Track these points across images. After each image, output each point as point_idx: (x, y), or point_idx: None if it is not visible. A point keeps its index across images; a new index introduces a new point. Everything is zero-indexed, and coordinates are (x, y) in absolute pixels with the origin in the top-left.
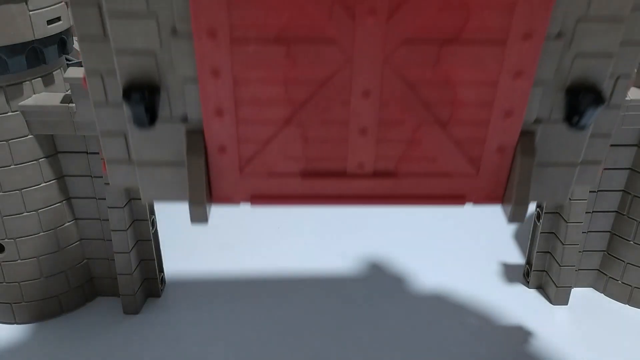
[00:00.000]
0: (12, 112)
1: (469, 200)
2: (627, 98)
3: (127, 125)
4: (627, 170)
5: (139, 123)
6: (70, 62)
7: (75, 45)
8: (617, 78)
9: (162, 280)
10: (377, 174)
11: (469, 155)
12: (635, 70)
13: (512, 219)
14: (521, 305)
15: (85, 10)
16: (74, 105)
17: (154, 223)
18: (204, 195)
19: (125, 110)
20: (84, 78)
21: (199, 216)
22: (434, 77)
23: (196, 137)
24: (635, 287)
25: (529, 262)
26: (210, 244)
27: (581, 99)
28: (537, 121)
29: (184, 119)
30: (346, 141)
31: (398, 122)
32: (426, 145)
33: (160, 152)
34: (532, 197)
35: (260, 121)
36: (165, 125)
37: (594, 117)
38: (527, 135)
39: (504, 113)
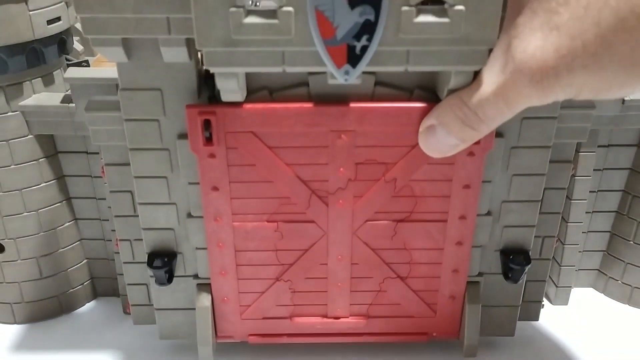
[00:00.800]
0: (12, 112)
1: (430, 337)
2: (626, 98)
3: (149, 279)
4: (627, 170)
5: (159, 283)
6: (70, 62)
7: (76, 45)
8: (544, 238)
9: None
10: (352, 316)
11: (427, 301)
12: None
13: (466, 354)
14: None
15: (121, 196)
16: (74, 105)
17: None
18: (210, 336)
19: (149, 271)
20: (117, 240)
21: (205, 355)
22: (393, 245)
23: (205, 290)
24: (635, 287)
25: None
26: None
27: (512, 260)
28: (480, 274)
29: (195, 276)
30: (326, 292)
31: (367, 277)
32: (391, 294)
33: (175, 301)
34: (482, 332)
35: (256, 278)
36: (180, 280)
37: (524, 273)
38: (473, 285)
39: (451, 270)
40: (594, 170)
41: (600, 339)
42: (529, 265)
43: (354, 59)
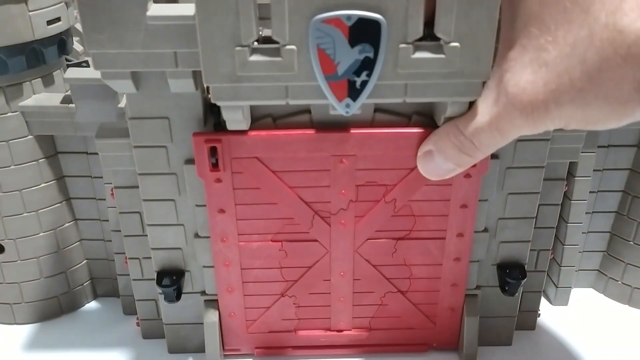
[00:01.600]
0: (12, 112)
1: (430, 347)
2: None
3: (157, 295)
4: (627, 171)
5: (168, 300)
6: (70, 63)
7: (75, 45)
8: (539, 251)
9: None
10: (355, 329)
11: (426, 313)
12: None
13: None
14: None
15: (130, 217)
16: (74, 105)
17: None
18: (218, 350)
19: (158, 289)
20: (125, 259)
21: None
22: (393, 261)
23: (212, 306)
24: (636, 288)
25: None
26: None
27: (508, 274)
28: (478, 287)
29: (203, 293)
30: (329, 306)
31: (368, 292)
32: (392, 307)
33: (184, 316)
34: (480, 342)
35: (261, 294)
36: (188, 297)
37: (521, 287)
38: (471, 298)
39: (450, 284)
40: (594, 170)
41: (600, 339)
42: (525, 279)
43: (354, 93)
